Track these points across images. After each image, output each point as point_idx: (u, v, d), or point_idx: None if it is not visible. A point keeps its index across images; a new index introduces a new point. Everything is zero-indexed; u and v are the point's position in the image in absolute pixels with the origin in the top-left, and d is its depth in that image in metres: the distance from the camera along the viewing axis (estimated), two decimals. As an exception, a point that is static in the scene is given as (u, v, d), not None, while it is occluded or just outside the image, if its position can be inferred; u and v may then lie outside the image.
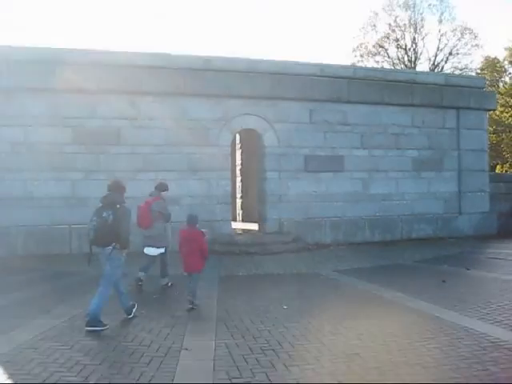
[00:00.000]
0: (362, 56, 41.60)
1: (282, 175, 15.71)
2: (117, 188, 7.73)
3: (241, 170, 21.22)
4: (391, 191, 16.97)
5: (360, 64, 39.46)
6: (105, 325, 6.79)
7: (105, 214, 7.19)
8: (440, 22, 40.29)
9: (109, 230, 7.11)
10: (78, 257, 13.57)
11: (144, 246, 9.73)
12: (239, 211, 21.31)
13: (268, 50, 66.09)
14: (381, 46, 41.66)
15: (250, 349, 5.87)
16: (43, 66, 13.56)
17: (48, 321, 7.01)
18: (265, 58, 16.60)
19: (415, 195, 17.28)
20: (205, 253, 8.27)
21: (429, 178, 17.46)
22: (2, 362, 5.36)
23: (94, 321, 6.76)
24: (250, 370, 5.24)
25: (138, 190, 14.33)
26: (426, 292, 8.90)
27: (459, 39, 40.12)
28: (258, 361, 5.48)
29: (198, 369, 5.29)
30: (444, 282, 9.77)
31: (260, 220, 16.30)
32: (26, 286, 9.76)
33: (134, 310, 7.46)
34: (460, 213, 17.87)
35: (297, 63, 16.32)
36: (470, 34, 39.80)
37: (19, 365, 5.31)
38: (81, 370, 5.20)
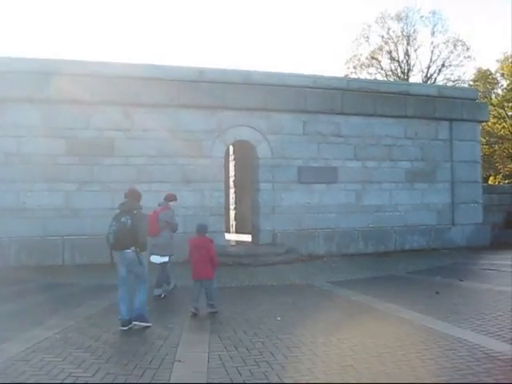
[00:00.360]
0: (355, 68, 41.84)
1: (275, 186, 15.73)
2: (133, 195, 8.10)
3: (234, 181, 21.22)
4: (384, 202, 17.01)
5: (353, 76, 39.66)
6: (148, 322, 7.44)
7: (123, 219, 7.55)
8: (432, 33, 40.59)
9: (127, 234, 7.48)
10: (71, 268, 13.59)
11: (150, 254, 9.86)
12: (232, 222, 21.29)
13: (261, 61, 66.39)
14: (374, 58, 41.89)
15: (244, 360, 5.85)
16: (37, 77, 13.59)
17: (40, 332, 6.96)
18: (258, 69, 16.67)
19: (408, 206, 17.32)
20: (214, 260, 8.71)
21: (422, 189, 17.52)
22: (-7, 374, 5.34)
23: (140, 316, 7.45)
24: (244, 381, 5.21)
25: (132, 201, 14.35)
26: (420, 303, 8.89)
27: (452, 51, 40.42)
28: (251, 373, 5.45)
29: (191, 381, 5.26)
30: (437, 293, 9.78)
31: (253, 231, 16.29)
32: (18, 298, 9.74)
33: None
34: (453, 224, 17.92)
35: (290, 75, 16.40)
36: (462, 45, 40.11)
37: (11, 377, 5.25)
38: (73, 383, 5.16)
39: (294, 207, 15.87)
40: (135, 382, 5.19)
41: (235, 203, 21.15)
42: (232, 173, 21.35)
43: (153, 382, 5.21)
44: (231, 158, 21.11)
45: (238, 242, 17.14)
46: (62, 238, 14.09)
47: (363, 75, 40.79)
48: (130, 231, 7.47)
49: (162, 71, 14.93)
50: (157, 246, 9.92)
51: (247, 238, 16.84)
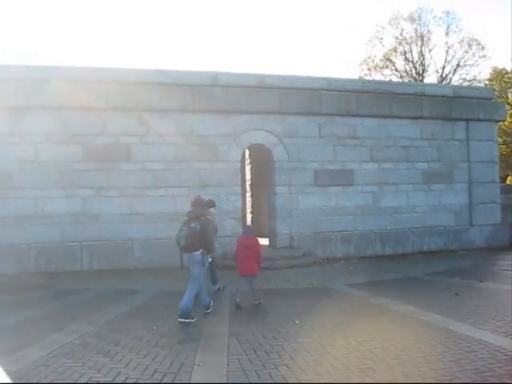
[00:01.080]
0: (369, 69, 41.73)
1: (291, 190, 15.72)
2: (199, 204, 9.13)
3: (250, 185, 21.23)
4: (401, 204, 16.92)
5: (367, 77, 39.55)
6: (193, 317, 8.17)
7: (193, 225, 8.52)
8: (447, 34, 40.40)
9: (197, 238, 8.45)
10: (89, 273, 13.68)
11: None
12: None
13: (275, 64, 66.35)
14: (388, 60, 41.75)
15: (263, 364, 5.83)
16: (53, 84, 13.68)
17: (60, 338, 7.00)
18: (272, 72, 16.68)
19: (426, 208, 17.21)
20: (260, 258, 9.70)
21: (439, 190, 17.40)
22: (15, 379, 5.36)
23: (184, 313, 8.14)
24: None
25: (148, 207, 14.49)
26: (439, 305, 8.83)
27: (466, 51, 40.19)
28: (271, 376, 5.44)
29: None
30: (457, 294, 9.70)
31: (270, 235, 16.27)
32: (37, 303, 9.81)
33: (210, 305, 8.90)
34: (471, 225, 17.78)
35: (304, 77, 16.36)
36: (477, 45, 39.88)
37: (32, 382, 5.30)
38: (86, 382, 5.21)
39: (311, 210, 15.84)
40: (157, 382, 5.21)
41: (252, 207, 21.15)
42: (248, 177, 21.36)
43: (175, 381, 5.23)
44: (247, 161, 21.13)
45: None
46: (79, 244, 14.18)
47: (378, 77, 40.71)
48: (199, 235, 8.45)
49: (176, 76, 14.99)
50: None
51: (264, 241, 16.79)
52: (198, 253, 8.52)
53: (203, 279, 8.88)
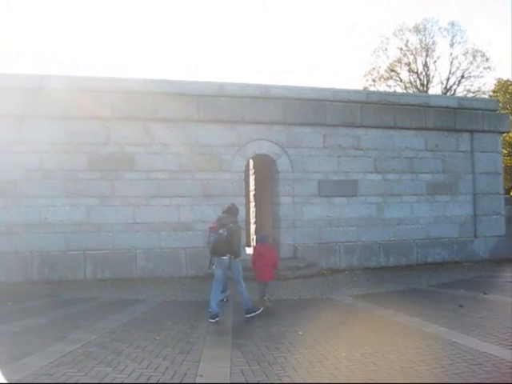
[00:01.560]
0: (374, 80, 41.78)
1: (295, 200, 15.71)
2: (230, 211, 9.74)
3: (254, 195, 21.20)
4: (406, 215, 16.89)
5: (372, 88, 39.62)
6: (259, 308, 9.41)
7: (221, 231, 9.14)
8: (451, 45, 40.46)
9: (224, 243, 9.08)
10: (93, 282, 13.68)
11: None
12: (253, 236, 21.24)
13: (280, 75, 66.52)
14: (393, 71, 41.81)
15: (266, 375, 5.81)
16: (58, 93, 13.72)
17: (63, 347, 6.98)
18: (277, 83, 16.72)
19: (430, 219, 17.18)
20: (276, 264, 10.51)
21: (443, 201, 17.37)
22: (17, 388, 5.36)
23: (249, 310, 9.23)
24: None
25: (152, 216, 14.50)
26: (443, 317, 8.79)
27: (471, 62, 40.22)
28: (274, 387, 5.42)
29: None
30: (461, 306, 9.66)
31: (274, 245, 16.23)
32: (40, 312, 9.80)
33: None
34: (475, 236, 17.73)
35: (309, 88, 16.41)
36: (481, 56, 39.91)
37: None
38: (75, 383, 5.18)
39: (315, 221, 15.82)
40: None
41: (255, 217, 21.12)
42: (252, 187, 21.35)
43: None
44: (251, 171, 21.12)
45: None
46: (83, 253, 14.19)
47: (382, 88, 40.75)
48: (226, 241, 9.05)
49: (182, 86, 15.03)
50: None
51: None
52: (225, 257, 9.17)
53: (221, 281, 9.59)
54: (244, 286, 9.46)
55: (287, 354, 6.67)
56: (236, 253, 9.22)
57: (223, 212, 9.78)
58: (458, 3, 61.01)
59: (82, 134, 14.27)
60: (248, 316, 9.16)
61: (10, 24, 63.98)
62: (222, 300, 10.64)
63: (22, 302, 11.05)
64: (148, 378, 5.72)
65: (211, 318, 8.83)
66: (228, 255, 9.15)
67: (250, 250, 16.21)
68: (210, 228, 10.15)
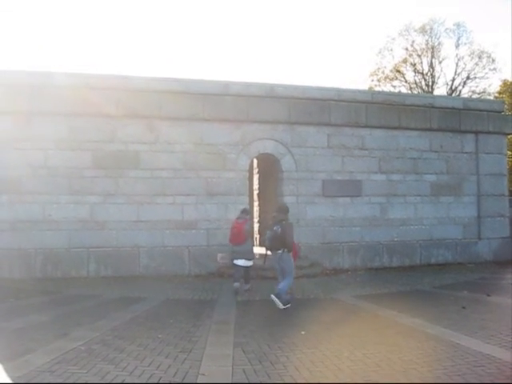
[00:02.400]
0: (379, 81, 41.70)
1: (299, 200, 15.70)
2: (282, 210, 10.58)
3: (258, 194, 21.20)
4: (409, 216, 16.86)
5: (377, 88, 39.54)
6: (286, 304, 9.76)
7: (275, 228, 10.05)
8: (457, 46, 40.36)
9: (278, 239, 9.95)
10: (96, 280, 13.70)
11: (234, 259, 11.88)
12: (256, 235, 21.24)
13: (285, 74, 66.50)
14: (398, 71, 41.72)
15: (268, 375, 5.80)
16: (63, 90, 13.75)
17: (65, 344, 6.99)
18: (282, 82, 16.70)
19: (434, 220, 17.14)
20: (296, 255, 11.00)
21: (447, 202, 17.34)
22: (19, 385, 5.36)
23: (279, 295, 9.80)
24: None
25: (156, 214, 14.51)
26: (446, 318, 8.77)
27: (477, 63, 40.10)
28: (275, 387, 5.42)
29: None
30: (464, 308, 9.63)
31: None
32: (43, 309, 9.82)
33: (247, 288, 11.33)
34: (479, 238, 17.69)
35: (314, 88, 16.39)
36: (487, 57, 39.78)
37: (36, 388, 5.30)
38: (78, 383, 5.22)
39: (319, 220, 15.82)
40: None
41: (259, 216, 21.11)
42: (256, 186, 21.34)
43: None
44: (255, 171, 21.12)
45: (262, 255, 17.07)
46: (87, 250, 14.21)
47: (387, 88, 40.67)
48: (280, 237, 9.91)
49: (187, 85, 15.03)
50: (243, 253, 11.84)
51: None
52: (280, 251, 10.06)
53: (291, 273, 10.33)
54: (292, 280, 10.37)
55: (289, 353, 6.66)
56: (289, 247, 10.04)
57: (276, 211, 10.69)
58: (464, 4, 60.89)
59: (87, 132, 14.30)
60: (272, 297, 9.87)
61: (14, 22, 64.11)
62: (248, 289, 12.07)
63: (25, 298, 11.07)
64: (150, 376, 5.72)
65: (281, 303, 9.78)
66: (282, 249, 10.02)
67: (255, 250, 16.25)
68: (233, 227, 11.94)
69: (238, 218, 12.27)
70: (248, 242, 12.06)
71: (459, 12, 61.72)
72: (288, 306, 9.81)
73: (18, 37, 64.09)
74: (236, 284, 11.75)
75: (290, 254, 10.19)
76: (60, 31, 64.42)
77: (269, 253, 10.57)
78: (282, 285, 10.01)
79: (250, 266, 12.11)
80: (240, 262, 11.82)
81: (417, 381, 5.51)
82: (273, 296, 9.81)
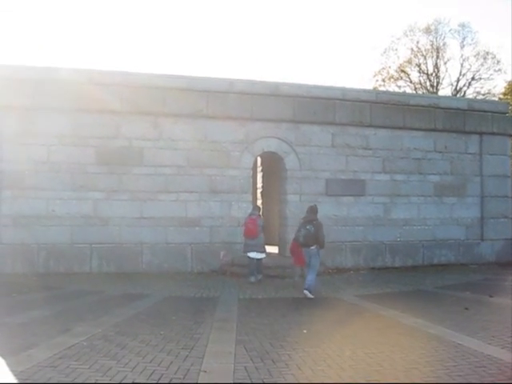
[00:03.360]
0: (383, 80, 41.57)
1: (302, 198, 15.68)
2: (313, 210, 11.83)
3: (262, 192, 21.21)
4: (413, 216, 16.85)
5: (382, 88, 39.44)
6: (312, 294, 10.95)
7: (308, 227, 11.35)
8: (462, 46, 40.23)
9: (312, 237, 11.28)
10: (98, 276, 13.72)
11: (248, 252, 13.37)
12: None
13: (289, 73, 66.46)
14: (403, 71, 41.62)
15: (270, 373, 5.79)
16: (67, 86, 13.76)
17: (67, 339, 6.99)
18: (287, 81, 16.68)
19: (437, 220, 17.13)
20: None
21: (451, 203, 17.33)
22: (21, 379, 5.35)
23: (310, 287, 11.04)
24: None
25: (159, 211, 14.52)
26: (448, 319, 8.75)
27: (482, 64, 39.94)
28: (277, 385, 5.41)
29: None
30: (466, 309, 9.61)
31: (280, 243, 16.24)
32: (45, 304, 9.82)
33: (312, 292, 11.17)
34: (482, 239, 17.67)
35: (319, 87, 16.40)
36: (492, 58, 39.64)
37: (38, 383, 5.29)
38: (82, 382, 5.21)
39: (322, 219, 15.54)
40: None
41: (262, 214, 21.12)
42: (259, 184, 21.35)
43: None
44: (259, 169, 21.12)
45: (258, 280, 17.08)
46: (89, 246, 14.23)
47: (392, 88, 40.54)
48: (313, 235, 11.25)
49: (191, 81, 15.03)
50: (257, 246, 13.32)
51: (274, 249, 16.76)
52: (313, 248, 11.29)
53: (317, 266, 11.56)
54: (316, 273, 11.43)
55: (291, 351, 6.65)
56: (322, 244, 11.40)
57: (307, 211, 11.87)
58: (469, 5, 60.78)
59: (91, 128, 14.32)
60: (305, 292, 11.03)
61: (14, 22, 64.19)
62: (259, 280, 13.36)
63: (28, 293, 11.09)
64: (152, 373, 5.72)
65: (306, 290, 11.09)
66: (314, 246, 11.28)
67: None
68: (247, 222, 13.43)
69: (251, 215, 13.70)
70: (260, 236, 13.39)
71: (464, 13, 61.54)
72: (308, 295, 11.04)
73: (17, 37, 64.16)
74: (252, 278, 13.27)
75: (321, 250, 11.54)
76: (60, 30, 64.45)
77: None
78: (310, 279, 11.16)
79: (262, 258, 13.48)
80: (252, 255, 13.26)
81: (419, 381, 5.50)
82: (305, 291, 11.02)
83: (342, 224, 16.00)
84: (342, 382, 5.51)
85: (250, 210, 14.76)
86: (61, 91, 13.80)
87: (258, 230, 13.25)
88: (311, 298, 10.89)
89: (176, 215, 14.75)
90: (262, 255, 13.48)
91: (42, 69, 14.21)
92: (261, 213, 14.12)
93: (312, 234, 11.25)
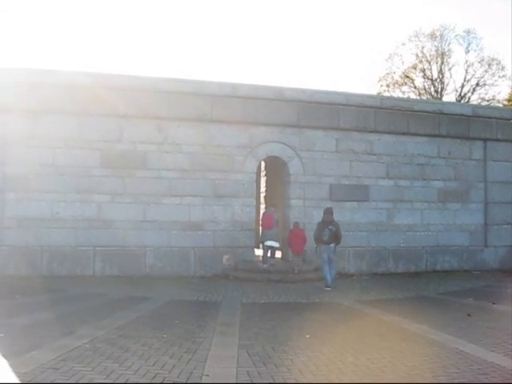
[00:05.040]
0: (388, 86, 41.54)
1: (306, 203, 15.71)
2: (330, 211, 13.37)
3: (265, 197, 21.20)
4: (416, 222, 16.84)
5: (386, 94, 39.43)
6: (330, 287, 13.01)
7: (330, 227, 13.04)
8: (467, 52, 40.19)
9: (332, 235, 13.03)
10: (101, 278, 13.74)
11: (265, 241, 14.89)
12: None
13: (293, 77, 66.47)
14: (407, 76, 41.60)
15: (272, 377, 5.80)
16: (73, 89, 13.82)
17: (70, 342, 7.01)
18: (291, 85, 16.70)
19: (440, 226, 17.12)
20: (305, 242, 14.78)
21: (454, 209, 17.31)
22: (24, 381, 5.37)
23: (334, 282, 13.14)
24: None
25: (162, 214, 14.54)
26: (451, 325, 8.74)
27: (486, 70, 39.89)
28: (279, 389, 5.41)
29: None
30: (469, 315, 9.59)
31: (283, 247, 16.23)
32: (48, 306, 9.83)
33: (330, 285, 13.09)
34: (486, 245, 17.64)
35: (323, 92, 16.41)
36: (497, 64, 39.59)
37: (41, 384, 5.31)
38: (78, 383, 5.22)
39: (325, 224, 15.78)
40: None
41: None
42: (263, 188, 21.34)
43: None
44: (263, 173, 21.12)
45: (271, 264, 17.07)
46: (93, 249, 14.26)
47: (396, 93, 40.53)
48: (334, 234, 13.04)
49: (196, 86, 15.06)
50: (272, 236, 14.82)
51: (277, 254, 16.74)
52: (332, 245, 13.10)
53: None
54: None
55: (294, 356, 6.65)
56: (339, 241, 13.25)
57: (324, 213, 13.40)
58: (475, 11, 60.77)
59: (96, 131, 14.36)
60: (326, 289, 12.91)
61: (14, 22, 64.36)
62: (272, 265, 15.02)
63: (31, 295, 11.12)
64: (154, 376, 5.72)
65: (326, 287, 12.99)
66: (333, 243, 13.08)
67: (258, 252, 16.24)
68: (265, 215, 15.15)
69: (267, 210, 15.66)
70: (275, 228, 14.88)
71: (469, 18, 61.53)
72: (328, 288, 13.00)
73: (18, 37, 64.35)
74: (265, 265, 14.84)
75: (338, 246, 13.44)
76: (63, 32, 64.61)
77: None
78: (333, 275, 13.15)
79: (276, 247, 15.11)
80: (269, 243, 14.81)
81: (421, 387, 5.50)
82: (328, 288, 12.91)
83: (346, 229, 15.89)
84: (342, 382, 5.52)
85: (252, 215, 14.87)
86: (66, 94, 13.86)
87: (273, 222, 14.78)
88: (320, 299, 11.71)
89: (179, 219, 14.77)
90: (277, 244, 14.99)
91: (47, 72, 14.24)
92: (275, 209, 15.44)
93: (333, 232, 13.00)
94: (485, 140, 17.76)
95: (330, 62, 64.78)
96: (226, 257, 14.93)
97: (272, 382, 5.66)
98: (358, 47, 64.78)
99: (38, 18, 61.16)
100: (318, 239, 13.15)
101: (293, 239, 14.73)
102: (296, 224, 14.98)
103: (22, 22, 62.15)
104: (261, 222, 15.49)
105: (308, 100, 15.86)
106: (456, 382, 5.68)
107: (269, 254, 15.01)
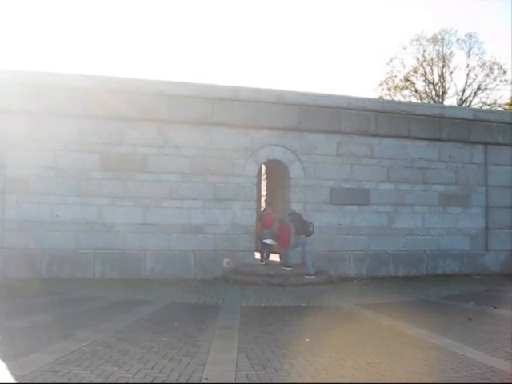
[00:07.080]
0: (389, 90, 41.61)
1: (306, 207, 15.69)
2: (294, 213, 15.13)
3: (266, 200, 21.18)
4: (417, 226, 16.81)
5: (387, 98, 39.47)
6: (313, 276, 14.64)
7: (311, 222, 15.08)
8: (468, 56, 40.23)
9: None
10: (101, 281, 13.73)
11: (264, 239, 15.83)
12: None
13: (295, 80, 66.57)
14: (408, 80, 41.64)
15: (271, 381, 5.78)
16: (74, 92, 13.82)
17: (69, 344, 6.99)
18: (292, 89, 16.70)
19: (441, 230, 17.08)
20: (291, 237, 15.35)
21: (455, 213, 17.28)
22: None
23: (309, 274, 14.67)
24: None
25: (163, 218, 14.54)
26: (451, 330, 8.72)
27: (488, 74, 39.94)
28: (278, 393, 5.39)
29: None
30: (470, 320, 9.57)
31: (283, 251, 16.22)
32: (48, 309, 9.82)
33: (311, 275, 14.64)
34: (487, 250, 17.60)
35: (324, 95, 16.37)
36: (498, 69, 39.64)
37: (39, 388, 5.30)
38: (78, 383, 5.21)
39: (325, 228, 15.79)
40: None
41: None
42: (264, 192, 21.33)
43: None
44: (263, 176, 21.11)
45: (268, 262, 17.07)
46: (93, 252, 14.24)
47: (397, 97, 40.58)
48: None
49: (197, 89, 15.06)
50: (270, 234, 15.76)
51: (277, 257, 16.75)
52: (308, 237, 14.93)
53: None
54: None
55: (293, 360, 6.63)
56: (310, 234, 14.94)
57: (295, 213, 15.15)
58: (476, 15, 60.84)
59: (96, 134, 14.36)
60: (306, 276, 14.56)
61: (14, 22, 64.55)
62: (268, 261, 16.07)
63: (31, 298, 11.10)
64: (153, 379, 5.71)
65: (307, 275, 14.57)
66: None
67: (258, 255, 16.23)
68: (265, 215, 16.02)
69: (267, 210, 16.45)
70: (273, 227, 15.77)
71: (471, 23, 61.57)
72: (310, 277, 14.59)
73: (17, 37, 64.47)
74: (264, 261, 15.86)
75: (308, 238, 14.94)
76: (63, 33, 64.74)
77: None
78: (308, 265, 14.86)
79: (272, 245, 16.07)
80: (268, 241, 15.79)
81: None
82: (306, 277, 14.54)
83: (346, 233, 15.98)
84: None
85: (252, 218, 14.91)
86: (67, 97, 13.87)
87: (273, 221, 15.82)
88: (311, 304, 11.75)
89: (180, 222, 14.76)
90: (273, 242, 15.91)
91: (48, 74, 14.24)
92: (272, 208, 16.48)
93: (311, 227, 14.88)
94: (486, 144, 17.73)
95: (331, 66, 64.86)
96: (226, 260, 14.92)
97: (270, 382, 5.65)
98: (360, 51, 64.87)
99: (40, 19, 61.32)
100: (309, 232, 14.86)
101: (279, 235, 15.58)
102: (284, 220, 15.64)
103: (24, 24, 62.32)
104: (262, 221, 15.89)
105: (309, 103, 15.85)
106: (454, 383, 5.67)
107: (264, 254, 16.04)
